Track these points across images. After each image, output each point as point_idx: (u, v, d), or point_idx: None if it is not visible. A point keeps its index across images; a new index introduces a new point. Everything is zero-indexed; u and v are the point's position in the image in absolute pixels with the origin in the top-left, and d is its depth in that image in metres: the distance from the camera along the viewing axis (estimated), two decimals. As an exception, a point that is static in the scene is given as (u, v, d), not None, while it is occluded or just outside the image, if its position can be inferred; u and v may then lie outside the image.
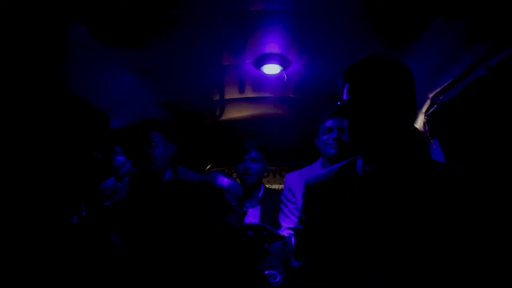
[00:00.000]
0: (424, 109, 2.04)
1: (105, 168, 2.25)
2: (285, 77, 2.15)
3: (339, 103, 1.17)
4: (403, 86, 1.13)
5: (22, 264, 1.48)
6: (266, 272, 1.90)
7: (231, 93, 2.45)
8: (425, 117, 2.04)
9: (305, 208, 1.34)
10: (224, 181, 1.64)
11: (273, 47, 1.90)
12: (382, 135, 1.09)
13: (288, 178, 2.39)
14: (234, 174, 3.11)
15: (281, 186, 4.08)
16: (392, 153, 1.13)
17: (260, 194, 2.64)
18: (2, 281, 1.41)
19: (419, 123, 2.11)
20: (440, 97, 1.91)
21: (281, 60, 1.99)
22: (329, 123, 2.18)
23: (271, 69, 2.06)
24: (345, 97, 1.15)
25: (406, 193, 1.13)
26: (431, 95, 1.95)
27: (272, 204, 2.52)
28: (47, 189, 1.81)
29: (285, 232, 2.14)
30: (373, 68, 1.12)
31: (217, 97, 2.48)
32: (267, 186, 2.90)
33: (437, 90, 1.89)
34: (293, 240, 1.58)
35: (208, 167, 3.54)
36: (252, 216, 2.50)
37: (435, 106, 1.96)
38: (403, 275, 1.08)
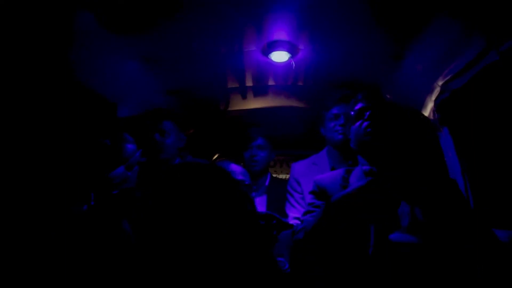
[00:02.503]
0: (433, 96, 2.02)
1: (114, 156, 2.25)
2: (293, 64, 2.13)
3: (352, 112, 1.48)
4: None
5: (31, 253, 1.50)
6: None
7: (238, 82, 2.44)
8: (434, 105, 2.02)
9: (311, 205, 1.51)
10: (237, 167, 1.66)
11: (282, 34, 1.89)
12: (387, 139, 1.36)
13: (294, 168, 2.39)
14: (241, 164, 3.12)
15: (288, 176, 4.07)
16: (386, 155, 1.36)
17: (267, 183, 2.64)
18: (11, 270, 1.42)
19: (428, 110, 2.09)
20: (450, 84, 1.89)
21: (290, 47, 1.97)
22: (335, 110, 2.16)
23: (280, 56, 2.05)
24: (357, 107, 1.46)
25: (397, 196, 1.26)
26: (440, 83, 1.93)
27: (279, 193, 2.52)
28: (56, 177, 1.82)
29: (292, 222, 2.14)
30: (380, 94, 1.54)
31: (224, 86, 2.48)
32: (274, 175, 2.90)
33: (447, 77, 1.87)
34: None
35: (216, 156, 3.55)
36: (259, 205, 2.51)
37: (445, 94, 1.95)
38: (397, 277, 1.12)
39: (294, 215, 2.22)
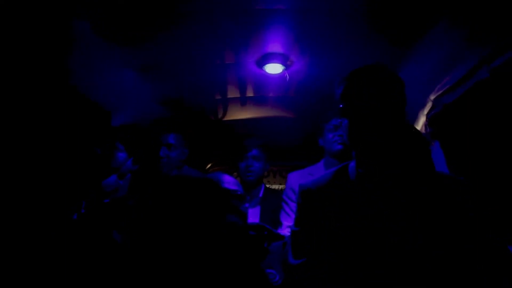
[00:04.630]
0: (425, 111, 2.03)
1: (105, 165, 2.24)
2: (287, 76, 2.15)
3: (341, 105, 1.23)
4: (396, 94, 1.20)
5: (21, 261, 1.48)
6: (266, 271, 1.90)
7: (233, 92, 2.45)
8: (427, 119, 2.04)
9: (299, 211, 1.37)
10: (229, 179, 1.65)
11: (276, 47, 1.91)
12: (376, 132, 1.14)
13: (290, 177, 2.39)
14: (235, 174, 3.12)
15: (281, 187, 4.08)
16: (385, 152, 1.16)
17: (261, 194, 2.63)
18: (2, 279, 1.41)
19: (420, 124, 2.11)
20: (442, 99, 1.91)
21: (284, 59, 1.99)
22: (335, 121, 2.17)
23: (274, 68, 2.06)
24: (343, 99, 1.23)
25: (397, 195, 1.16)
26: (432, 97, 1.95)
27: (273, 204, 2.51)
28: (47, 185, 1.81)
29: (285, 231, 2.14)
30: (371, 74, 1.21)
31: (219, 96, 2.49)
32: (267, 185, 2.90)
33: (439, 92, 1.89)
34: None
35: (209, 166, 3.54)
36: (252, 216, 2.50)
37: (437, 108, 1.96)
38: (397, 278, 1.08)
39: (288, 223, 2.22)
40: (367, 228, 1.15)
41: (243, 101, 2.61)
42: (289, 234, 2.01)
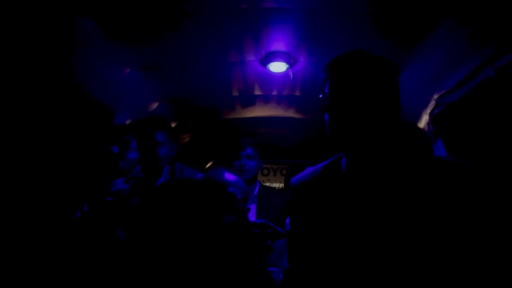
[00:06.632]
0: (428, 110, 2.04)
1: (115, 163, 2.23)
2: (291, 75, 2.15)
3: (320, 95, 1.09)
4: (386, 82, 1.05)
5: (25, 258, 1.48)
6: (269, 270, 1.90)
7: (236, 91, 2.45)
8: (430, 118, 2.04)
9: (291, 210, 1.29)
10: (230, 177, 1.65)
11: (280, 45, 1.90)
12: (362, 129, 1.01)
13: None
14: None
15: (281, 185, 4.09)
16: (374, 148, 1.05)
17: (256, 192, 2.62)
18: (5, 276, 1.40)
19: (423, 123, 2.12)
20: (445, 98, 1.91)
21: (288, 58, 1.98)
22: None
23: (278, 67, 2.06)
24: (326, 90, 1.08)
25: (393, 191, 1.04)
26: (436, 96, 1.96)
27: (268, 202, 2.51)
28: (51, 183, 1.80)
29: None
30: (355, 62, 1.06)
31: (221, 95, 2.48)
32: (268, 184, 2.90)
33: (443, 91, 1.90)
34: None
35: (209, 164, 3.54)
36: (248, 214, 2.50)
37: (440, 107, 1.97)
38: (394, 280, 1.05)
39: None
40: (355, 227, 1.05)
41: (245, 100, 2.60)
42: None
